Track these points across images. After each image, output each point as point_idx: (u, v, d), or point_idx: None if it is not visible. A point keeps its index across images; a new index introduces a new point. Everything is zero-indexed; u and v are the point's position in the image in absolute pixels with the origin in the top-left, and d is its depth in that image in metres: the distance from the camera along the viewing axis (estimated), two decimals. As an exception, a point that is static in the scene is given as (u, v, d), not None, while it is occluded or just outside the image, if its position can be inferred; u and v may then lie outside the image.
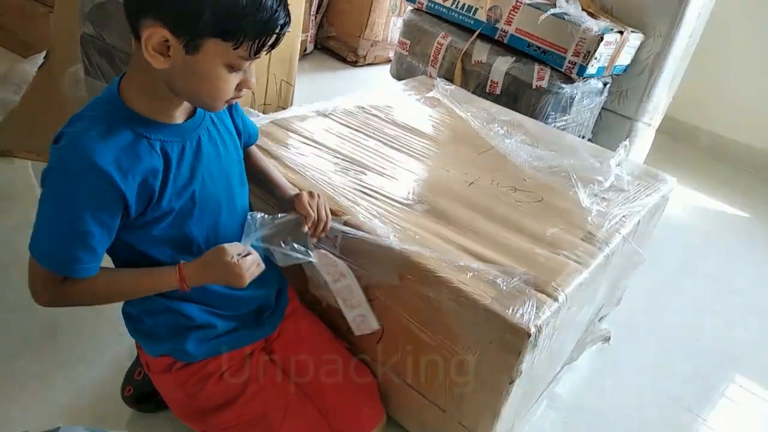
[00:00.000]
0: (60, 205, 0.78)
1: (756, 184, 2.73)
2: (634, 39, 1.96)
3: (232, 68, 0.78)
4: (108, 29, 1.62)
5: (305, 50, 3.24)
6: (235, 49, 0.75)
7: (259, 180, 1.11)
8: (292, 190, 1.07)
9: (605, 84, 2.01)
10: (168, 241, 0.89)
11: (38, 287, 0.84)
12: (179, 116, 0.86)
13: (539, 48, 1.87)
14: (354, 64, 3.31)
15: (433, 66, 2.10)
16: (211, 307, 0.98)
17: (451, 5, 2.07)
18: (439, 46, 2.07)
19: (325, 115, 1.47)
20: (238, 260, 0.87)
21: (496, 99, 1.90)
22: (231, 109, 0.99)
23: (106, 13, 1.59)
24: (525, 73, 1.88)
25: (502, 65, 1.92)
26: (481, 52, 1.98)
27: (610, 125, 2.20)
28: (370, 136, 1.41)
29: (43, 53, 2.03)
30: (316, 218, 0.99)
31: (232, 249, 0.88)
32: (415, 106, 1.64)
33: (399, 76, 2.24)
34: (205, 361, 0.99)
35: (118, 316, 1.20)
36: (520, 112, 1.73)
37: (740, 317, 1.81)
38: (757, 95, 2.85)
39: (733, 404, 1.49)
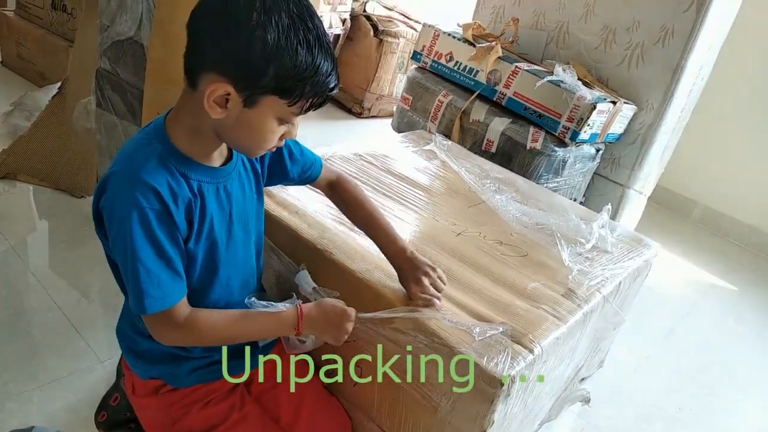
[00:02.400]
0: (145, 245, 0.80)
1: (745, 258, 2.76)
2: (627, 110, 2.03)
3: (282, 122, 0.84)
4: (123, 65, 1.69)
5: (312, 99, 3.35)
6: (289, 106, 0.81)
7: (361, 222, 1.13)
8: (402, 253, 1.06)
9: (598, 150, 2.08)
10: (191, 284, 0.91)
11: (165, 335, 0.88)
12: (217, 159, 0.91)
13: (535, 112, 1.95)
14: (358, 115, 3.41)
15: (432, 122, 2.18)
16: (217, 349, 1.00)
17: (454, 66, 2.16)
18: (440, 104, 2.15)
19: (324, 160, 1.52)
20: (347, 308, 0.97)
21: (491, 157, 1.96)
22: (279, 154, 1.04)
23: (123, 51, 1.67)
24: (520, 134, 1.95)
25: (498, 125, 1.99)
26: (479, 112, 2.05)
27: (602, 191, 2.25)
28: (363, 183, 1.45)
29: (58, 84, 2.12)
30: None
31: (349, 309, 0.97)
32: (411, 158, 1.70)
33: (400, 129, 2.31)
34: (194, 387, 1.00)
35: (99, 343, 1.22)
36: (513, 171, 1.78)
37: (723, 390, 1.81)
38: (750, 172, 2.92)
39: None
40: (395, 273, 1.07)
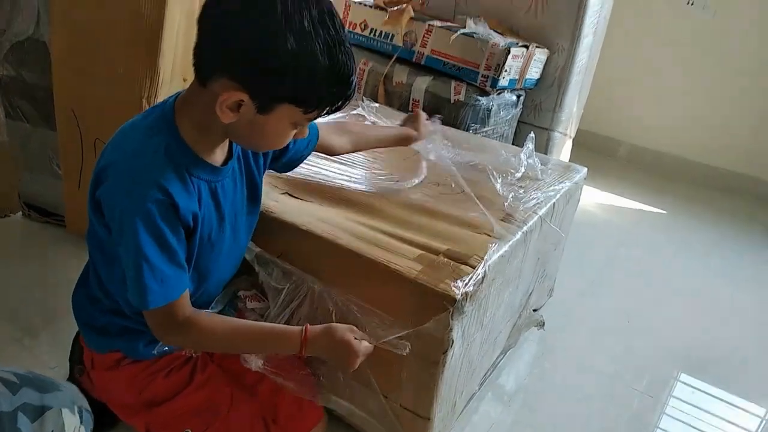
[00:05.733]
0: (149, 240, 0.78)
1: (671, 186, 2.93)
2: (540, 54, 2.11)
3: (295, 126, 0.82)
4: (27, 68, 1.62)
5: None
6: (305, 113, 0.79)
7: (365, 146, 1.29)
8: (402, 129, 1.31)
9: (519, 96, 2.15)
10: None
11: (165, 332, 0.86)
12: (219, 156, 0.89)
13: (454, 65, 2.00)
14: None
15: (357, 91, 2.20)
16: None
17: (369, 34, 2.18)
18: (361, 72, 2.17)
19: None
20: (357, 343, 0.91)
21: (419, 116, 2.00)
22: None
23: (25, 52, 1.60)
24: (443, 89, 2.00)
25: (421, 84, 2.03)
26: (401, 74, 2.09)
27: (529, 137, 2.34)
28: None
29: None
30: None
31: (357, 332, 0.93)
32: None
33: (326, 104, 2.32)
34: (154, 358, 0.99)
35: (45, 352, 1.17)
36: (441, 125, 1.83)
37: (665, 298, 1.92)
38: (668, 103, 3.09)
39: (665, 374, 1.57)
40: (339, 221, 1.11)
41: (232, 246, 1.00)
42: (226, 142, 0.90)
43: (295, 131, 0.84)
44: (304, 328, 0.90)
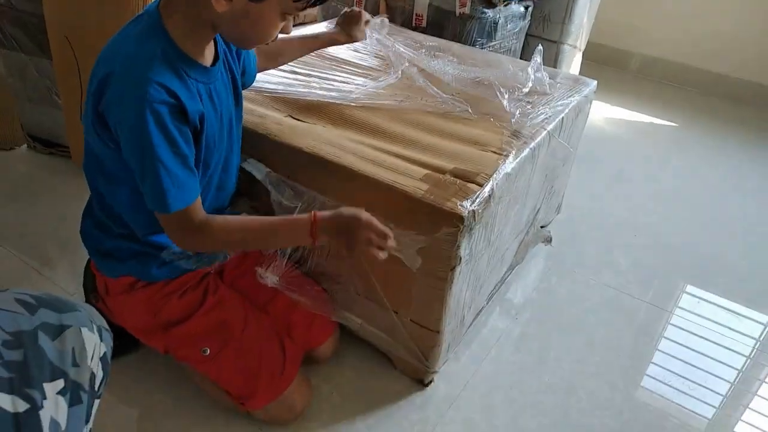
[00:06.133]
0: (162, 143, 0.79)
1: (682, 96, 2.86)
2: (549, -40, 2.01)
3: (284, 16, 0.83)
4: (16, -6, 1.56)
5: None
6: (295, 1, 0.80)
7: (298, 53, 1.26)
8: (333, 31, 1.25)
9: (527, 8, 2.06)
10: None
11: (183, 237, 0.88)
12: (208, 57, 0.89)
13: (458, -24, 1.90)
14: (285, 25, 3.28)
15: (357, 7, 2.11)
16: None
17: (369, -55, 2.07)
18: (362, -13, 2.07)
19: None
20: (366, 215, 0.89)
21: (423, 32, 1.92)
22: (240, 53, 1.02)
23: (12, -23, 1.54)
24: (447, 2, 1.91)
25: (424, -3, 1.95)
26: (403, -12, 1.99)
27: (538, 50, 2.26)
28: (299, 69, 1.42)
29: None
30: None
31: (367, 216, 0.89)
32: (341, 41, 1.66)
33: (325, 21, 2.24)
34: (166, 281, 1.02)
35: (64, 279, 1.19)
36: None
37: (673, 212, 1.92)
38: (678, 12, 2.96)
39: (671, 287, 1.60)
40: (343, 143, 1.09)
41: (230, 153, 1.01)
42: (212, 43, 0.90)
43: (282, 24, 0.85)
44: (312, 213, 0.90)
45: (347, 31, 1.25)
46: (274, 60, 1.22)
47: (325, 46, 1.29)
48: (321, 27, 1.40)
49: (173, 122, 0.80)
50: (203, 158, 0.91)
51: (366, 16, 1.27)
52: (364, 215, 0.88)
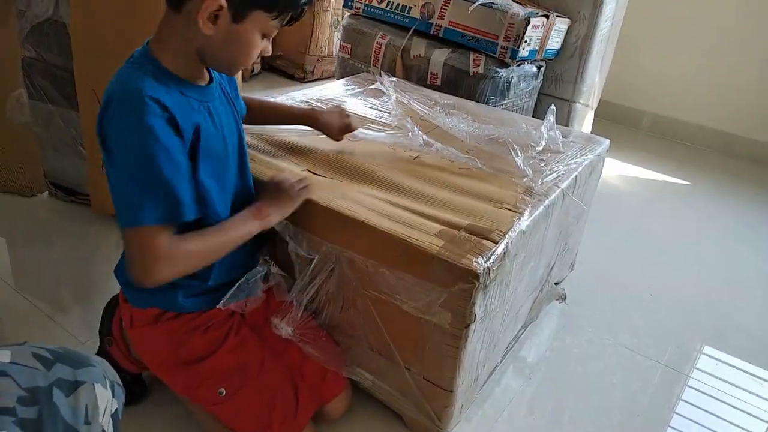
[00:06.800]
0: (143, 152, 0.83)
1: (695, 155, 2.88)
2: (561, 23, 2.07)
3: (263, 36, 0.89)
4: (47, 49, 1.63)
5: (253, 71, 3.30)
6: (273, 19, 0.87)
7: (273, 118, 1.31)
8: (311, 110, 1.32)
9: (539, 68, 2.11)
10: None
11: (151, 258, 0.86)
12: (201, 79, 0.95)
13: (472, 37, 1.96)
14: (302, 80, 3.37)
15: (375, 65, 2.17)
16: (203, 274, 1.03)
17: (386, 7, 2.15)
18: (379, 46, 2.14)
19: (271, 110, 1.51)
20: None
21: (437, 89, 1.97)
22: (231, 80, 1.08)
23: (45, 33, 1.61)
24: (462, 61, 1.97)
25: (439, 57, 2.01)
26: (418, 47, 2.06)
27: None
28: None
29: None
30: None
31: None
32: (360, 97, 1.70)
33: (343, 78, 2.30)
34: (194, 314, 1.03)
35: (76, 327, 1.20)
36: (460, 98, 1.81)
37: (689, 270, 1.90)
38: (690, 71, 3.02)
39: (688, 347, 1.56)
40: (360, 197, 1.11)
41: (241, 166, 1.05)
42: (204, 69, 0.95)
43: (263, 44, 0.91)
44: (257, 207, 1.02)
45: (329, 124, 1.29)
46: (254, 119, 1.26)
47: (297, 124, 1.33)
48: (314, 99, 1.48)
49: (167, 134, 0.84)
50: (214, 173, 0.94)
51: (353, 126, 1.31)
52: (278, 176, 1.07)
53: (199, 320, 1.04)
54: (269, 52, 0.93)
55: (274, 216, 1.03)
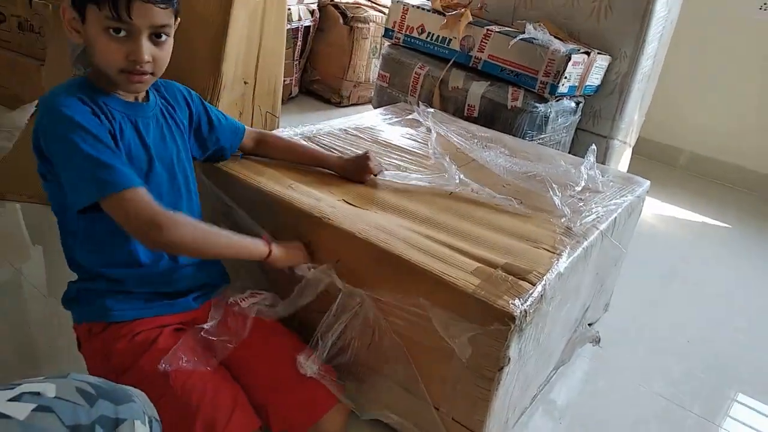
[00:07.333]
0: (73, 137, 0.85)
1: (734, 197, 2.81)
2: (602, 60, 2.06)
3: (108, 33, 0.85)
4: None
5: (290, 94, 3.35)
6: (101, 10, 0.84)
7: (302, 157, 1.33)
8: (341, 159, 1.33)
9: (578, 103, 2.10)
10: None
11: (148, 213, 0.87)
12: (128, 95, 0.96)
13: (512, 71, 1.97)
14: (338, 104, 3.41)
15: (412, 95, 2.19)
16: (153, 282, 1.02)
17: (426, 38, 2.17)
18: (417, 76, 2.16)
19: (309, 137, 1.53)
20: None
21: (474, 122, 1.97)
22: (201, 116, 1.12)
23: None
24: (500, 95, 1.97)
25: (477, 89, 2.01)
26: (457, 79, 2.07)
27: (587, 145, 2.26)
28: (354, 150, 1.46)
29: (34, 102, 2.10)
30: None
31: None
32: (396, 127, 1.71)
33: (380, 107, 2.32)
34: (122, 323, 0.98)
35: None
36: (497, 131, 1.80)
37: (727, 318, 1.84)
38: (730, 112, 2.96)
39: (726, 399, 1.50)
40: (394, 229, 1.10)
41: (173, 188, 1.03)
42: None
43: (121, 46, 0.86)
44: (268, 244, 1.04)
45: (351, 168, 1.31)
46: (258, 147, 1.29)
47: (317, 166, 1.33)
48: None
49: (89, 119, 0.86)
50: (139, 175, 0.94)
51: (376, 169, 1.31)
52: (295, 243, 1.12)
53: (126, 328, 0.98)
54: (138, 56, 0.87)
55: (277, 256, 1.06)
